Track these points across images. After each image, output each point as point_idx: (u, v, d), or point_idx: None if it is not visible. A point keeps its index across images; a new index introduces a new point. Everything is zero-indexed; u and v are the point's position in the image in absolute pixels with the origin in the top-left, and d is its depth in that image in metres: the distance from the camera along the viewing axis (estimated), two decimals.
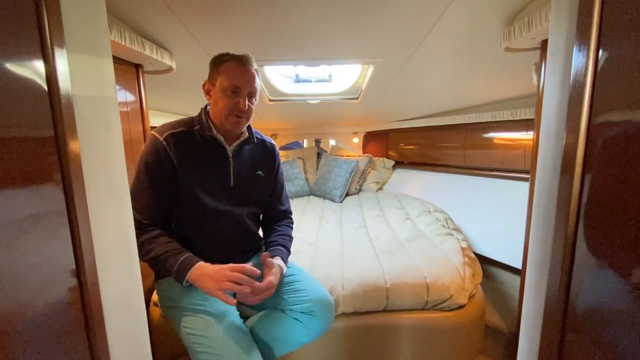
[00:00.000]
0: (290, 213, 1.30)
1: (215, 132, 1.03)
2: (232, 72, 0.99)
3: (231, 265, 0.90)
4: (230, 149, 1.07)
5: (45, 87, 0.48)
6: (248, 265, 0.91)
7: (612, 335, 0.45)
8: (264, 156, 1.18)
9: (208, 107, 1.07)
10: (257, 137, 1.16)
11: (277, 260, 1.04)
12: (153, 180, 0.97)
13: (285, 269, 1.06)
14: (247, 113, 1.02)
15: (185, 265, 0.92)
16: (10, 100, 0.42)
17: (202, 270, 0.91)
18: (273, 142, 1.23)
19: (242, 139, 1.09)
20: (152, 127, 1.10)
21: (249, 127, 1.12)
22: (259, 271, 0.93)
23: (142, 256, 0.95)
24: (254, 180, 1.14)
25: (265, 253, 1.04)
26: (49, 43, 0.48)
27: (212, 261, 1.03)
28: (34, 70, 0.46)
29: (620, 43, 0.44)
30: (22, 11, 0.45)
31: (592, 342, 0.49)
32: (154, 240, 0.95)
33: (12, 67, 0.43)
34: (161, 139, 0.98)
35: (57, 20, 0.50)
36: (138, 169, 0.99)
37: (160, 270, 0.99)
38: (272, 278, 0.95)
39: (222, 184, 1.06)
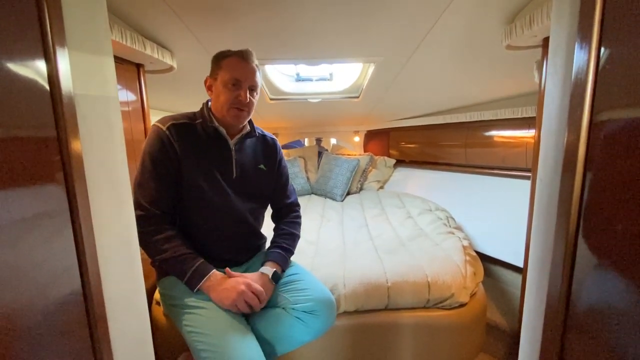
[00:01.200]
0: (297, 206, 1.30)
1: (217, 123, 1.04)
2: (233, 66, 1.00)
3: (247, 282, 0.94)
4: (232, 142, 1.08)
5: (47, 87, 0.48)
6: (258, 286, 0.96)
7: (613, 334, 0.45)
8: (266, 150, 1.19)
9: (210, 103, 1.08)
10: (258, 132, 1.17)
11: (264, 269, 1.04)
12: (158, 169, 0.98)
13: (270, 274, 1.04)
14: (249, 106, 1.03)
15: (199, 273, 0.94)
16: (13, 100, 0.43)
17: (216, 280, 0.94)
18: (274, 136, 1.25)
19: (244, 132, 1.10)
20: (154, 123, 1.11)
21: (250, 121, 1.13)
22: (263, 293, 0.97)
23: (153, 255, 0.97)
24: (256, 174, 1.14)
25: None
26: (50, 43, 0.48)
27: (214, 259, 1.03)
28: (36, 70, 0.46)
29: (621, 41, 0.44)
30: (23, 11, 0.45)
31: (594, 340, 0.49)
32: (168, 241, 0.95)
33: (14, 67, 0.43)
34: (164, 128, 0.99)
35: (58, 20, 0.50)
36: (142, 159, 0.99)
37: (171, 272, 1.00)
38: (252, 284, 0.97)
39: (225, 176, 1.06)
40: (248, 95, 1.01)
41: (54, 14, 0.49)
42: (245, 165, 1.11)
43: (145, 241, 0.95)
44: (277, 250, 1.12)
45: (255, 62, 1.04)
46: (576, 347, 0.53)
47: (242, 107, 1.02)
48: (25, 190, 0.45)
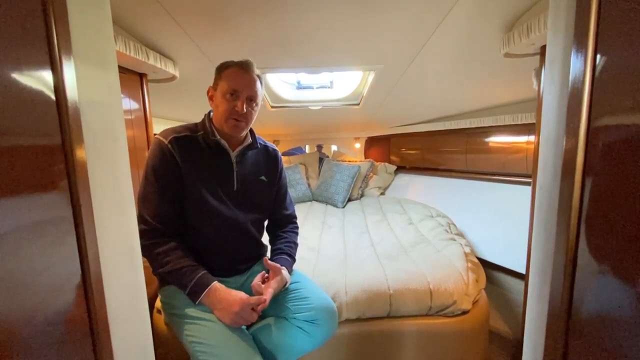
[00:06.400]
0: (295, 218, 1.30)
1: (218, 137, 1.04)
2: (232, 76, 1.01)
3: (245, 300, 0.92)
4: (233, 154, 1.08)
5: (53, 97, 0.49)
6: (253, 299, 0.94)
7: (616, 339, 0.45)
8: (267, 162, 1.19)
9: (212, 113, 1.09)
10: (260, 143, 1.17)
11: (283, 271, 1.05)
12: (161, 182, 0.98)
13: (289, 280, 1.06)
14: (246, 117, 1.03)
15: (199, 286, 0.93)
16: (20, 110, 0.43)
17: (216, 295, 0.93)
18: (276, 148, 1.25)
19: (245, 144, 1.10)
20: (155, 135, 1.12)
21: (252, 133, 1.14)
22: (264, 298, 0.95)
23: (156, 268, 0.97)
24: (257, 185, 1.14)
25: (272, 264, 1.03)
26: (57, 54, 0.49)
27: (217, 269, 1.03)
28: (42, 80, 0.47)
29: (616, 49, 0.45)
30: (31, 22, 0.46)
31: (597, 348, 0.49)
32: (170, 253, 0.95)
33: (22, 77, 0.44)
34: (166, 142, 1.00)
35: (65, 32, 0.51)
36: (145, 172, 1.00)
37: (174, 284, 0.99)
38: (270, 290, 0.97)
39: (226, 188, 1.07)
40: (245, 106, 1.01)
41: (61, 25, 0.50)
42: (246, 177, 1.11)
43: (147, 254, 0.95)
44: (285, 257, 1.12)
45: (257, 72, 1.04)
46: (579, 353, 0.53)
47: (239, 118, 1.01)
48: (31, 197, 0.45)
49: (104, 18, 0.62)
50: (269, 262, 1.03)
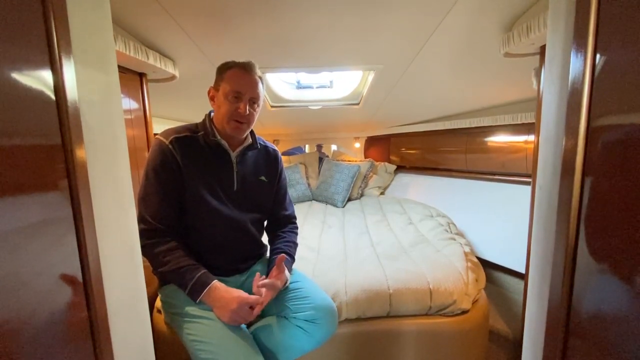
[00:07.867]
0: (294, 218, 1.30)
1: (219, 137, 1.04)
2: (235, 78, 1.01)
3: (243, 298, 0.92)
4: (234, 155, 1.08)
5: (53, 97, 0.49)
6: (251, 298, 0.94)
7: (615, 339, 0.45)
8: (267, 162, 1.19)
9: (212, 114, 1.09)
10: (260, 143, 1.17)
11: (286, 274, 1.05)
12: (161, 183, 0.98)
13: (289, 280, 1.06)
14: (248, 118, 1.03)
15: (199, 285, 0.93)
16: (20, 110, 0.43)
17: (216, 294, 0.93)
18: (276, 148, 1.25)
19: (245, 144, 1.10)
20: (156, 134, 1.12)
21: (252, 133, 1.14)
22: (262, 299, 0.95)
23: (156, 267, 0.97)
24: (257, 186, 1.15)
25: (281, 256, 1.04)
26: (57, 54, 0.49)
27: (216, 269, 1.03)
28: (42, 80, 0.47)
29: (616, 48, 0.45)
30: (31, 23, 0.46)
31: (596, 347, 0.49)
32: (170, 252, 0.95)
33: (22, 77, 0.44)
34: (167, 142, 1.00)
35: (65, 32, 0.51)
36: (146, 173, 1.00)
37: (174, 283, 0.99)
38: (269, 293, 0.97)
39: (226, 188, 1.07)
40: (248, 107, 1.01)
41: (61, 25, 0.50)
42: (246, 177, 1.12)
43: (147, 253, 0.95)
44: (286, 257, 1.12)
45: (258, 73, 1.04)
46: (578, 352, 0.53)
47: (241, 120, 1.01)
48: (30, 197, 0.45)
49: (103, 18, 0.62)
50: (279, 260, 1.02)
